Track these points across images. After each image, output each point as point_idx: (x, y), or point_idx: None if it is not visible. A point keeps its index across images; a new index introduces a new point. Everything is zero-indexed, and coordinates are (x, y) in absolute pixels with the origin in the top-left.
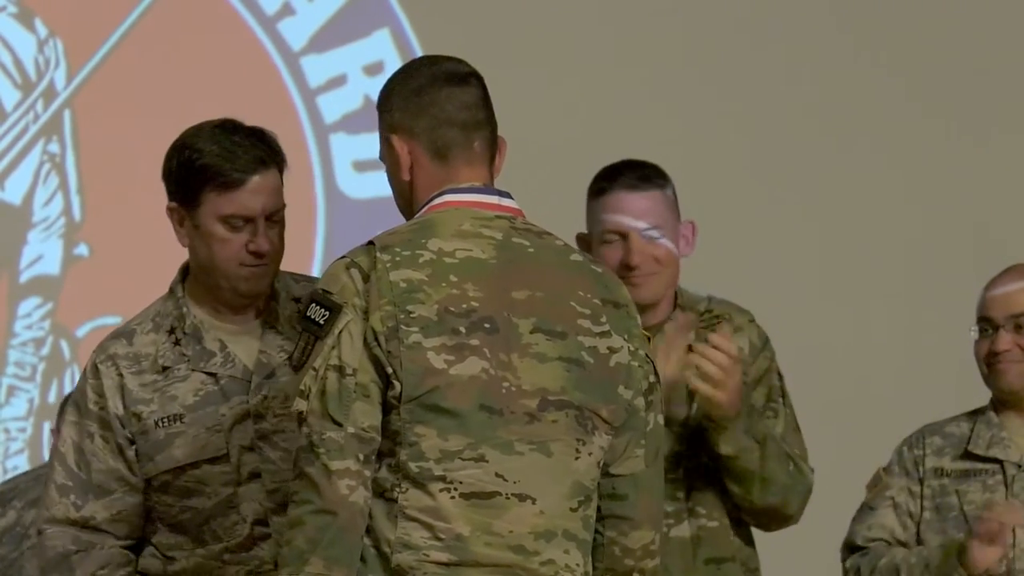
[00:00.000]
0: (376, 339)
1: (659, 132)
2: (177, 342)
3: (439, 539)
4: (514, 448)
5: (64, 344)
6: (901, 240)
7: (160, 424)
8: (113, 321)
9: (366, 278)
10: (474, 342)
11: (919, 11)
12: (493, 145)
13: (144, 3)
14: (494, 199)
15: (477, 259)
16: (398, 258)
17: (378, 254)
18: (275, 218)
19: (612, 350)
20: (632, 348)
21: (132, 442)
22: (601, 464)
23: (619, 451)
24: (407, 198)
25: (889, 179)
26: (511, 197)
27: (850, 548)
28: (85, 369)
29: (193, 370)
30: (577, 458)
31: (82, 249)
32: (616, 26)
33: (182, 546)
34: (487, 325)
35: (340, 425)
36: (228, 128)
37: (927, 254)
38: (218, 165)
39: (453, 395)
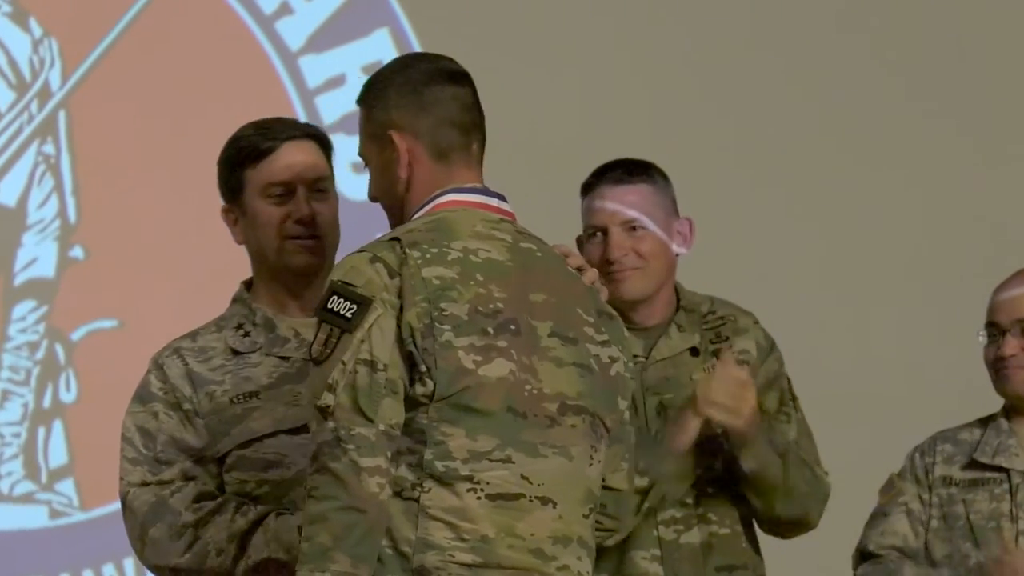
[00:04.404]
0: (412, 336)
1: (660, 132)
2: (247, 334)
3: (464, 540)
4: (539, 451)
5: (59, 348)
6: (911, 242)
7: (236, 400)
8: (109, 324)
9: (392, 274)
10: (502, 344)
11: (929, 9)
12: (482, 144)
13: (140, 2)
14: (495, 202)
15: (496, 260)
16: (428, 255)
17: (407, 250)
18: (320, 187)
19: (612, 360)
20: (626, 360)
21: (201, 417)
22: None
23: (607, 461)
24: (397, 195)
25: (899, 180)
26: (507, 200)
27: (863, 555)
28: (148, 370)
29: (267, 355)
30: (591, 465)
31: (77, 252)
32: (616, 25)
33: None
34: (512, 327)
35: (371, 421)
36: (266, 118)
37: (937, 256)
38: (252, 141)
39: (484, 396)
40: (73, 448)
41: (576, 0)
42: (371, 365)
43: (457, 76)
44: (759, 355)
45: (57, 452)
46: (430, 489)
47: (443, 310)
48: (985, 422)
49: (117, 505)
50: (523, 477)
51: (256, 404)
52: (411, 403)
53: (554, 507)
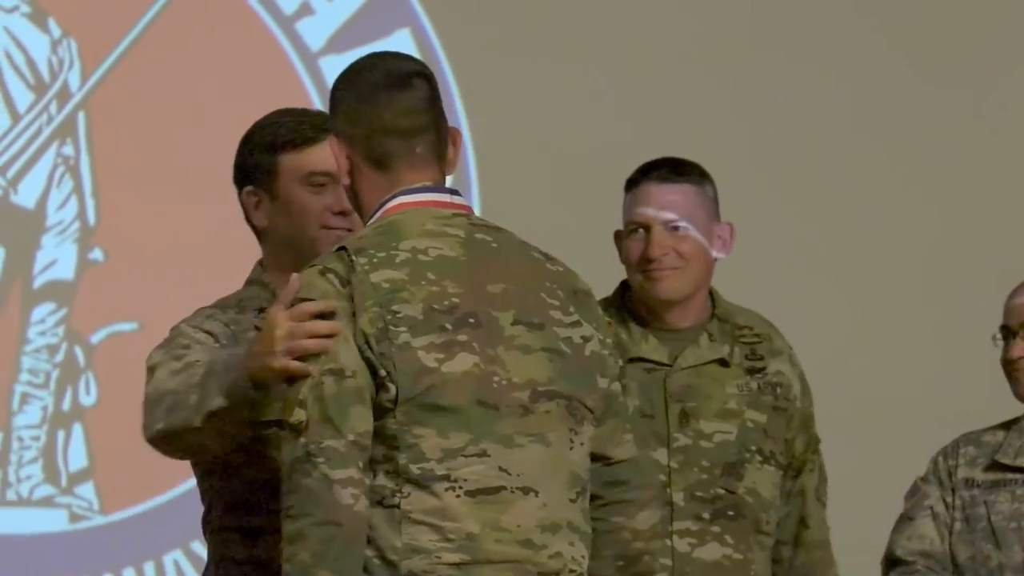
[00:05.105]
0: (367, 342)
1: (676, 132)
2: None
3: (449, 540)
4: (514, 441)
5: (78, 351)
6: (930, 242)
7: None
8: (129, 327)
9: (343, 282)
10: (462, 338)
11: (942, 7)
12: (441, 144)
13: (160, 2)
14: (446, 197)
15: (448, 256)
16: (375, 259)
17: (354, 257)
18: None
19: (585, 339)
20: (601, 337)
21: None
22: (589, 455)
23: (606, 438)
24: (353, 201)
25: (907, 178)
26: (460, 195)
27: (891, 561)
28: (181, 323)
29: None
30: (571, 448)
31: (97, 254)
32: (639, 24)
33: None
34: (471, 320)
35: (340, 431)
36: (297, 108)
37: (956, 256)
38: (293, 128)
39: (450, 392)
40: (93, 451)
41: (598, 0)
42: (338, 374)
43: (400, 80)
44: (802, 388)
45: (77, 455)
46: (409, 494)
47: (396, 312)
48: (1009, 425)
49: (138, 509)
50: (501, 469)
51: None
52: (379, 410)
53: (537, 495)
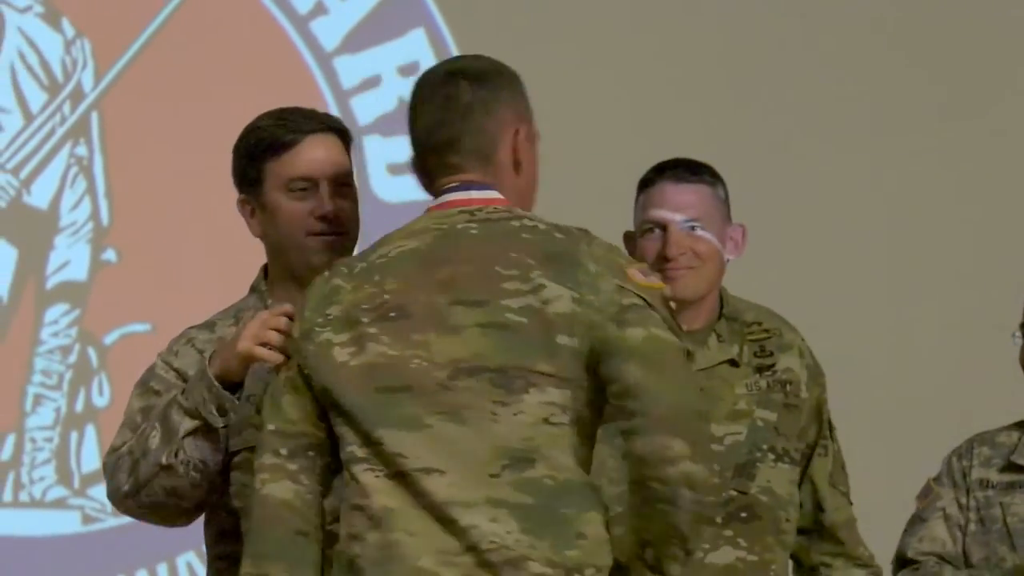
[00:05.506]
0: (296, 348)
1: (692, 131)
2: None
3: (371, 518)
4: (421, 421)
5: (92, 352)
6: (949, 240)
7: (251, 400)
8: (142, 328)
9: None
10: (372, 330)
11: (952, 9)
12: (484, 143)
13: (173, 2)
14: (458, 196)
15: (407, 250)
16: (332, 270)
17: (325, 272)
18: (343, 181)
19: (546, 302)
20: (577, 295)
21: None
22: (545, 421)
23: (613, 377)
24: None
25: (938, 176)
26: (490, 188)
27: (902, 561)
28: (157, 356)
29: None
30: (496, 421)
31: (110, 254)
32: (654, 26)
33: None
34: (393, 313)
35: (264, 424)
36: (285, 108)
37: (972, 254)
38: (272, 133)
39: (352, 386)
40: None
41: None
42: (278, 370)
43: (433, 93)
44: (808, 378)
45: (90, 457)
46: (348, 483)
47: (328, 315)
48: (1022, 425)
49: None
50: (397, 454)
51: None
52: (324, 411)
53: (442, 475)
